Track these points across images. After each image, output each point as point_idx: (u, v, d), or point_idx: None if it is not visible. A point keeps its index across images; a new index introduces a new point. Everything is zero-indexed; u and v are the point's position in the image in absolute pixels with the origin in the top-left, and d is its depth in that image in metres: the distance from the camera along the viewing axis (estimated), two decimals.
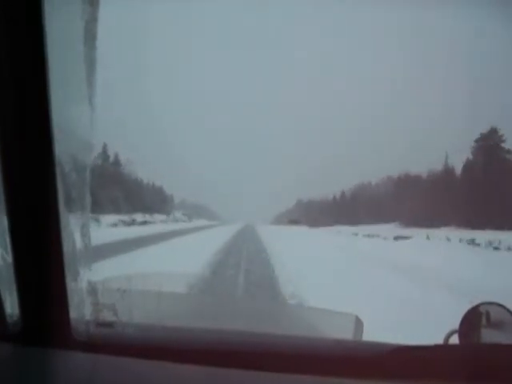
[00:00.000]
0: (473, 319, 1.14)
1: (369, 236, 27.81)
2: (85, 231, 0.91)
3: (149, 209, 44.09)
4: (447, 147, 41.88)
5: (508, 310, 1.12)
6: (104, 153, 41.97)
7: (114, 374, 0.83)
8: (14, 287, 0.85)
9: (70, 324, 0.90)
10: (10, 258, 0.84)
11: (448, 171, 41.78)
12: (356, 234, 30.41)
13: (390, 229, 34.74)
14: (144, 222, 35.98)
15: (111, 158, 44.87)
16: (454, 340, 1.13)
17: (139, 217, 38.02)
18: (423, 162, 45.34)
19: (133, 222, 33.48)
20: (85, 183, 0.89)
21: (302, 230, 35.58)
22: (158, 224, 36.97)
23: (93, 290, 0.97)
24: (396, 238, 23.47)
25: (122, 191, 39.91)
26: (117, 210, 35.76)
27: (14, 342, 0.86)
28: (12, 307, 0.88)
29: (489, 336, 1.12)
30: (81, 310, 0.94)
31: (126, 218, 33.95)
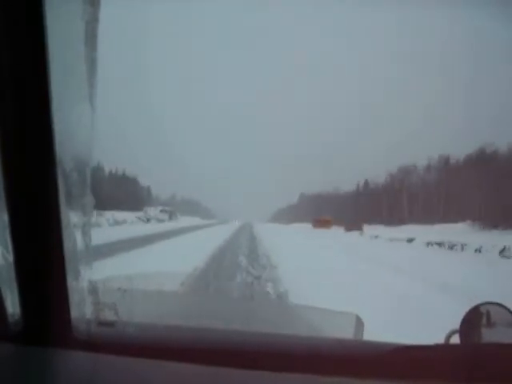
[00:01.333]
0: (473, 319, 1.14)
1: (440, 246, 15.15)
2: (86, 230, 0.91)
3: (108, 205, 31.00)
4: None
5: (508, 310, 1.12)
6: None
7: (115, 373, 0.83)
8: (15, 286, 0.85)
9: (70, 323, 0.90)
10: (11, 257, 0.84)
11: None
12: (410, 241, 19.41)
13: (464, 232, 22.46)
14: None
15: None
16: (455, 340, 1.13)
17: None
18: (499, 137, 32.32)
19: None
20: (85, 182, 0.89)
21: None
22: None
23: (94, 289, 0.97)
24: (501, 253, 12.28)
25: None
26: None
27: (15, 342, 0.86)
28: (13, 306, 0.88)
29: (489, 336, 1.12)
30: (82, 309, 0.94)
31: None
